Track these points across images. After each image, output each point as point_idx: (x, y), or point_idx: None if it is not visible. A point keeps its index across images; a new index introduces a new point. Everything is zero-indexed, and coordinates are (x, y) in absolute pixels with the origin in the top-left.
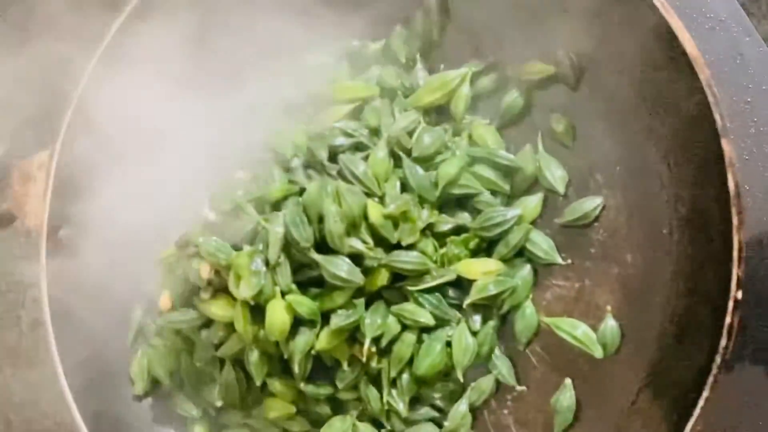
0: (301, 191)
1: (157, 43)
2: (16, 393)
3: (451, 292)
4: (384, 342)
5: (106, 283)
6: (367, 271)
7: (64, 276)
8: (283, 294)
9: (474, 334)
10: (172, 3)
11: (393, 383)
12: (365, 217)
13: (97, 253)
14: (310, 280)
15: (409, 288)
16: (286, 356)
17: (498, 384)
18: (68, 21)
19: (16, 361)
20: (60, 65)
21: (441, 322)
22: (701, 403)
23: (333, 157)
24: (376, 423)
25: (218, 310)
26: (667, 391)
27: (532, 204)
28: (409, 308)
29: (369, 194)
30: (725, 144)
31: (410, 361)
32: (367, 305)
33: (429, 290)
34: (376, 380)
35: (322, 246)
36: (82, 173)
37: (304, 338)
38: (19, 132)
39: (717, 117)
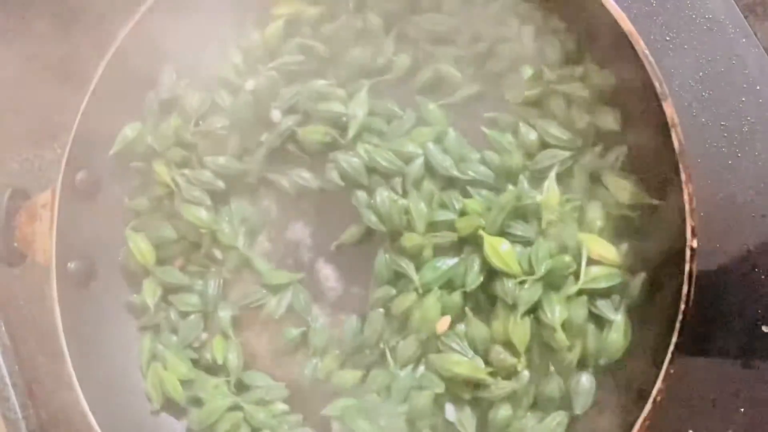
0: None
1: None
2: (41, 365)
3: None
4: None
5: (117, 308)
6: None
7: (76, 306)
8: None
9: None
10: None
11: None
12: None
13: (107, 281)
14: None
15: None
16: None
17: None
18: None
19: (42, 334)
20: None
21: None
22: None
23: None
24: None
25: None
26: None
27: None
28: None
29: None
30: (666, 107)
31: None
32: None
33: None
34: None
35: None
36: (85, 206)
37: None
38: (21, 174)
39: (656, 83)
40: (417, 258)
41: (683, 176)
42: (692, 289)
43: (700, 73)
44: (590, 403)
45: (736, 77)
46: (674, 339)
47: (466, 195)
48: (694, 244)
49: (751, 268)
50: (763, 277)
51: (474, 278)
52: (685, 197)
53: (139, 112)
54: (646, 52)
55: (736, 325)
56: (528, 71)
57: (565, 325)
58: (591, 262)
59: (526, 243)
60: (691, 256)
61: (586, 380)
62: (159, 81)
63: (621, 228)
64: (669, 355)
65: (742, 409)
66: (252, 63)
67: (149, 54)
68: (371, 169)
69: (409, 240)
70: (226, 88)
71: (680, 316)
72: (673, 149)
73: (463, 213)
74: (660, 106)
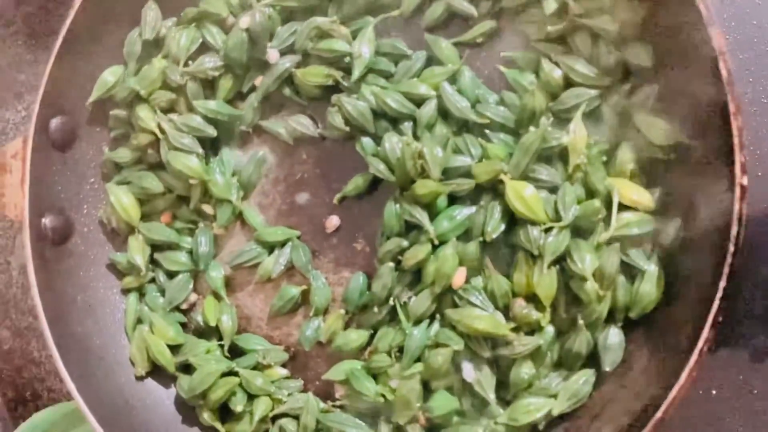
0: None
1: None
2: (4, 341)
3: None
4: None
5: (97, 268)
6: None
7: (52, 265)
8: None
9: None
10: None
11: None
12: None
13: (86, 238)
14: None
15: None
16: None
17: None
18: None
19: (6, 307)
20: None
21: None
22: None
23: None
24: None
25: None
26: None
27: None
28: None
29: None
30: (714, 33)
31: None
32: None
33: None
34: None
35: None
36: (60, 156)
37: None
38: None
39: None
40: (430, 207)
41: (732, 108)
42: (742, 231)
43: (724, 15)
44: (620, 360)
45: (763, 19)
46: (722, 284)
47: (483, 139)
48: (744, 181)
49: None
50: None
51: (495, 226)
52: (734, 131)
53: (120, 54)
54: None
55: None
56: (551, 4)
57: (596, 275)
58: (621, 207)
59: (552, 188)
60: (742, 194)
61: (615, 335)
62: (142, 19)
63: (653, 171)
64: (717, 302)
65: None
66: None
67: None
68: (378, 114)
69: (423, 187)
70: (217, 25)
71: (729, 260)
72: (719, 80)
73: (482, 158)
74: (702, 36)
